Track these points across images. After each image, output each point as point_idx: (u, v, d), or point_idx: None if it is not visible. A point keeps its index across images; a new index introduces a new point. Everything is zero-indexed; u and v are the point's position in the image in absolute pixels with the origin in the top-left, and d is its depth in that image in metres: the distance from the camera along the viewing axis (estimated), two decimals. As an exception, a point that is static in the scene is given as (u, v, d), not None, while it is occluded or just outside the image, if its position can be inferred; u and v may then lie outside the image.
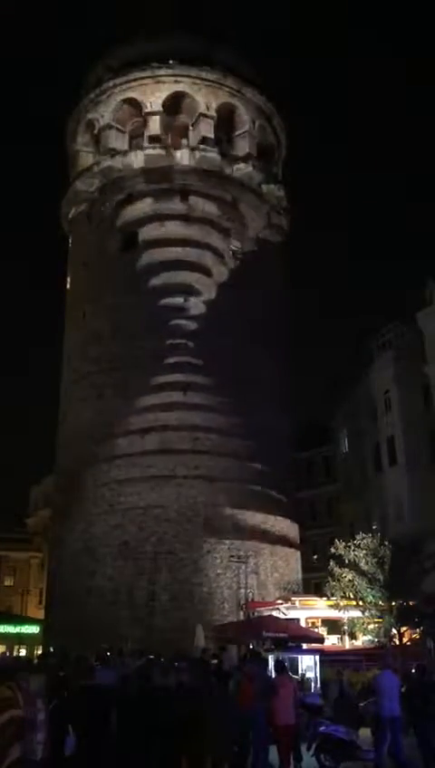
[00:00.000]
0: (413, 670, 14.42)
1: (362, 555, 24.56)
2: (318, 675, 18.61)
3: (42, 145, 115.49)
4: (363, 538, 25.31)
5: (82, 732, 7.61)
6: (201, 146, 34.40)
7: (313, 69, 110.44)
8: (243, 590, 26.36)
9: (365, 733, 13.51)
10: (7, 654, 33.85)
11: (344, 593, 23.80)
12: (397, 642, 22.84)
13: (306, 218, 73.42)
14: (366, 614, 23.81)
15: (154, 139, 34.45)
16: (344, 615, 24.46)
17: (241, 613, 26.03)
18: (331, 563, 25.70)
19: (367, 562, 24.26)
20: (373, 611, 23.60)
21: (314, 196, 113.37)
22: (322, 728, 12.77)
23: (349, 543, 25.55)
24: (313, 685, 18.27)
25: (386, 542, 24.80)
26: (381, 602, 23.46)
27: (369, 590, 23.39)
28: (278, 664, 13.07)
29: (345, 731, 12.72)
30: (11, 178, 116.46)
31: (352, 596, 23.87)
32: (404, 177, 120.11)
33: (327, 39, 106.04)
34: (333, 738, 12.47)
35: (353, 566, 24.65)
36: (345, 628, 25.30)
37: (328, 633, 25.78)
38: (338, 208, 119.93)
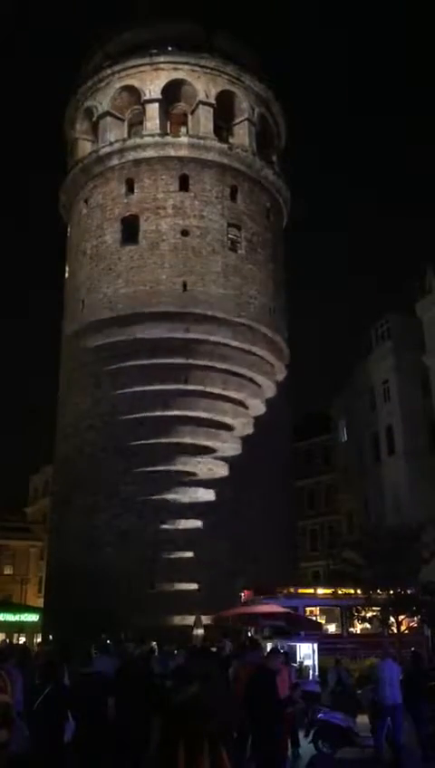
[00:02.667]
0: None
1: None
2: (316, 662, 18.67)
3: (41, 132, 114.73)
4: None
5: (81, 718, 7.65)
6: (200, 134, 34.18)
7: (313, 58, 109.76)
8: (242, 578, 26.41)
9: (363, 720, 13.57)
10: (7, 642, 34.01)
11: (342, 582, 23.87)
12: (395, 630, 22.89)
13: (306, 204, 72.46)
14: (364, 603, 23.86)
15: (152, 127, 34.23)
16: (342, 603, 24.51)
17: (240, 601, 26.07)
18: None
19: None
20: (371, 599, 23.64)
21: (313, 185, 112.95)
22: (320, 715, 12.83)
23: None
24: (311, 672, 18.33)
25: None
26: (379, 591, 23.50)
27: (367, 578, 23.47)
28: (274, 651, 13.09)
29: (343, 718, 12.79)
30: (10, 170, 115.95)
31: (350, 584, 23.93)
32: (405, 175, 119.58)
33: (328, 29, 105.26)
34: (331, 725, 12.54)
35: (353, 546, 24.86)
36: (343, 616, 25.34)
37: (326, 622, 25.84)
38: (339, 197, 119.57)
